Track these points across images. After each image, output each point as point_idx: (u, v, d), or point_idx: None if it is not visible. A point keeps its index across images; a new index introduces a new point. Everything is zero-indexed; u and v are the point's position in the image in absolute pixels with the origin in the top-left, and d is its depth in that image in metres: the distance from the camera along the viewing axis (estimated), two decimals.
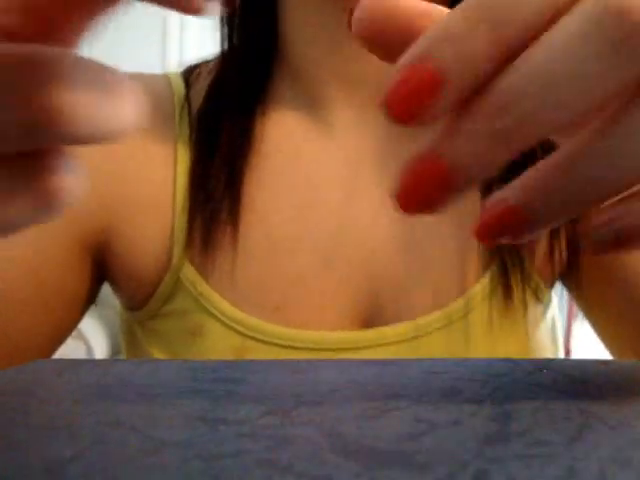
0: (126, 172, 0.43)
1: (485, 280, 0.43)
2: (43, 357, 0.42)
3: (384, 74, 0.43)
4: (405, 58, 0.17)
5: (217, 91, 0.44)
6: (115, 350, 2.19)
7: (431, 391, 0.21)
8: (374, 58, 0.45)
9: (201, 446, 0.15)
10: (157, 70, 0.50)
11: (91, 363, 0.27)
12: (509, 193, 0.18)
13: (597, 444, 0.15)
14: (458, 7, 0.17)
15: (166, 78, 0.47)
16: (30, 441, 0.16)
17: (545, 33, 0.16)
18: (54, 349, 0.43)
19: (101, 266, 0.44)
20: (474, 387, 0.21)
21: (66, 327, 0.43)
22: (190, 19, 2.49)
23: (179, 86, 0.46)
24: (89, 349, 1.98)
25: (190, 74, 0.47)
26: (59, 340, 0.43)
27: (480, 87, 0.17)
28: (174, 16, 2.50)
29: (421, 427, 0.17)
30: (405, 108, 0.17)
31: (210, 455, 0.15)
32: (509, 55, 0.17)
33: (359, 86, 0.43)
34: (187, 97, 0.45)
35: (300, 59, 0.43)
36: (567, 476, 0.13)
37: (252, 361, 0.26)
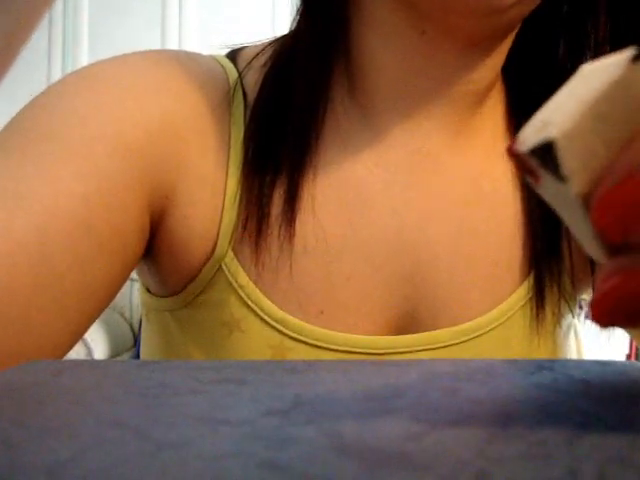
0: (191, 143, 0.41)
1: (522, 290, 0.44)
2: (98, 308, 0.39)
3: (442, 90, 0.44)
4: (623, 164, 0.15)
5: (277, 83, 0.43)
6: (115, 350, 2.20)
7: (431, 391, 0.21)
8: (437, 75, 0.45)
9: (201, 446, 0.15)
10: None
11: (91, 363, 0.27)
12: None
13: (597, 444, 0.15)
14: None
15: (215, 61, 0.46)
16: (29, 441, 0.16)
17: None
18: (106, 304, 0.40)
19: (152, 236, 0.42)
20: (474, 387, 0.21)
21: (121, 280, 0.40)
22: (189, 3, 2.50)
23: (231, 69, 0.45)
24: (89, 349, 1.98)
25: (236, 58, 0.46)
26: (111, 296, 0.40)
27: None
28: (172, 29, 2.50)
29: (421, 427, 0.17)
30: (612, 223, 0.15)
31: (210, 455, 0.15)
32: None
33: (416, 100, 0.43)
34: (241, 82, 0.44)
35: (365, 61, 0.43)
36: (567, 476, 0.13)
37: (252, 361, 0.26)
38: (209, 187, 0.42)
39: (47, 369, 0.25)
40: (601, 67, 0.17)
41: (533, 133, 0.17)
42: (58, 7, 2.53)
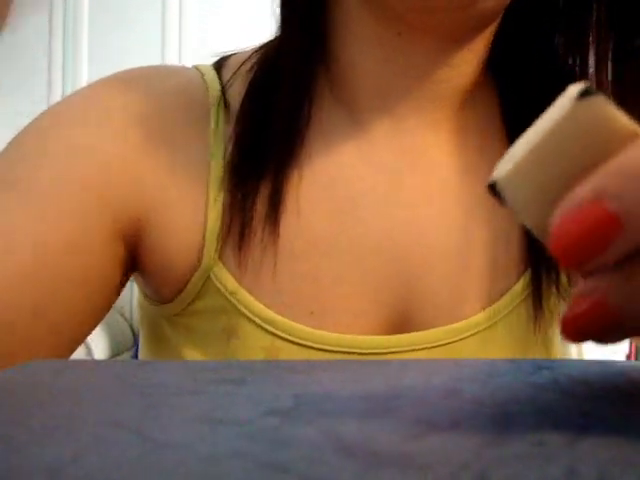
0: (160, 162, 0.42)
1: (518, 288, 0.44)
2: (76, 342, 0.41)
3: (424, 87, 0.44)
4: (578, 194, 0.15)
5: (261, 90, 0.43)
6: (115, 350, 2.19)
7: (431, 391, 0.21)
8: (418, 73, 0.45)
9: (201, 447, 0.15)
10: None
11: (91, 363, 0.27)
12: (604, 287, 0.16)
13: (597, 444, 0.15)
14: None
15: (198, 72, 0.46)
16: (30, 441, 0.16)
17: None
18: (84, 337, 0.42)
19: (133, 256, 0.43)
20: (474, 387, 0.21)
21: (98, 313, 0.42)
22: (189, 9, 2.50)
23: (213, 81, 0.45)
24: (89, 349, 1.98)
25: (221, 67, 0.46)
26: (90, 327, 0.42)
27: None
28: (173, 9, 2.50)
29: (421, 427, 0.17)
30: (573, 250, 0.15)
31: (210, 456, 0.15)
32: None
33: (400, 99, 0.43)
34: (223, 93, 0.44)
35: (346, 66, 0.43)
36: (567, 476, 0.13)
37: (252, 361, 0.26)
38: (189, 201, 0.42)
39: (47, 369, 0.25)
40: (561, 97, 0.17)
41: (498, 167, 0.18)
42: (58, 18, 2.53)
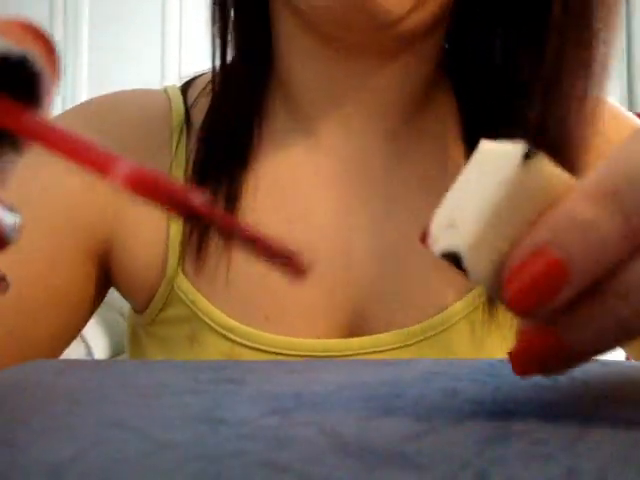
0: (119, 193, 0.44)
1: (468, 297, 0.44)
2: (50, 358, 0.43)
3: (368, 98, 0.45)
4: (528, 244, 0.16)
5: (218, 107, 0.45)
6: (115, 350, 2.19)
7: (431, 391, 0.21)
8: (359, 85, 0.46)
9: (201, 446, 0.15)
10: (156, 84, 0.51)
11: (91, 363, 0.27)
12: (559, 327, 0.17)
13: (597, 444, 0.15)
14: (583, 191, 0.16)
15: (165, 95, 0.48)
16: (30, 441, 0.16)
17: None
18: (61, 351, 0.45)
19: (106, 273, 0.46)
20: (474, 387, 0.21)
21: (72, 330, 0.45)
22: (188, 31, 2.50)
23: (178, 105, 0.47)
24: (89, 349, 1.98)
25: (188, 88, 0.48)
26: (66, 342, 0.45)
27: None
28: (172, 32, 2.50)
29: (421, 427, 0.17)
30: (526, 301, 0.16)
31: (210, 455, 0.15)
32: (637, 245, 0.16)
33: (347, 108, 0.44)
34: (187, 114, 0.46)
35: (292, 78, 0.45)
36: (567, 476, 0.13)
37: (252, 361, 0.26)
38: (152, 217, 0.44)
39: (48, 369, 0.25)
40: (497, 155, 0.18)
41: (441, 230, 0.18)
42: (58, 10, 2.53)
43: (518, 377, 0.18)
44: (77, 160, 0.14)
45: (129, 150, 0.45)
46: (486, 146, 0.19)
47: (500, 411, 0.18)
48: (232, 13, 0.45)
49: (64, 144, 0.14)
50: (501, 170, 0.17)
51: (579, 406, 0.19)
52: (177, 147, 0.45)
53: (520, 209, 0.17)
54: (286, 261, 0.15)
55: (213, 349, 0.43)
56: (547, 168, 0.17)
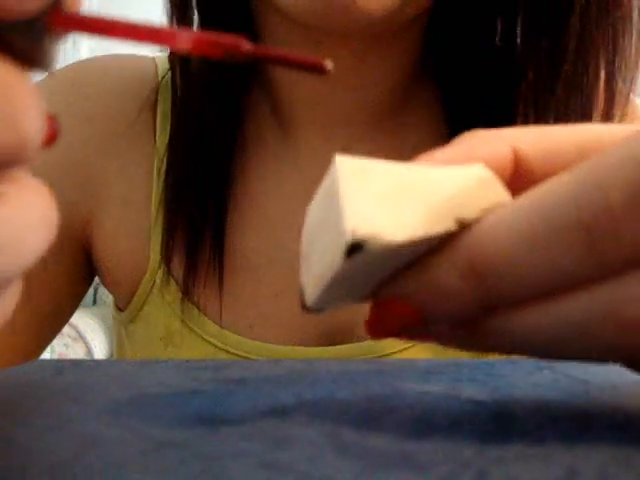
0: (104, 162, 0.43)
1: None
2: (34, 354, 0.43)
3: (350, 95, 0.44)
4: (384, 293, 0.18)
5: (197, 102, 0.43)
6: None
7: (431, 391, 0.21)
8: (342, 80, 0.45)
9: (201, 446, 0.15)
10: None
11: (91, 363, 0.27)
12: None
13: (597, 444, 0.15)
14: (443, 253, 0.16)
15: (153, 62, 0.47)
16: (30, 441, 0.16)
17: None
18: (44, 345, 0.44)
19: (89, 260, 0.44)
20: (475, 387, 0.21)
21: (56, 323, 0.44)
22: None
23: (164, 67, 0.46)
24: (89, 349, 1.98)
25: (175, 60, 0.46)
26: (47, 337, 0.44)
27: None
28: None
29: (421, 427, 0.17)
30: (379, 333, 0.18)
31: (210, 455, 0.15)
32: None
33: (328, 108, 0.44)
34: (174, 80, 0.44)
35: (276, 83, 0.44)
36: (567, 476, 0.13)
37: (252, 361, 0.26)
38: (131, 202, 0.43)
39: (48, 369, 0.25)
40: (335, 192, 0.18)
41: (305, 270, 0.19)
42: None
43: (518, 377, 0.18)
44: (144, 40, 0.15)
45: (113, 120, 0.44)
46: (340, 164, 0.19)
47: (500, 411, 0.18)
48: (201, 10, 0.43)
49: (127, 31, 0.15)
50: (337, 226, 0.17)
51: (579, 406, 0.19)
52: (163, 112, 0.44)
53: (360, 276, 0.17)
54: (313, 66, 0.17)
55: (194, 353, 0.42)
56: (381, 250, 0.16)
